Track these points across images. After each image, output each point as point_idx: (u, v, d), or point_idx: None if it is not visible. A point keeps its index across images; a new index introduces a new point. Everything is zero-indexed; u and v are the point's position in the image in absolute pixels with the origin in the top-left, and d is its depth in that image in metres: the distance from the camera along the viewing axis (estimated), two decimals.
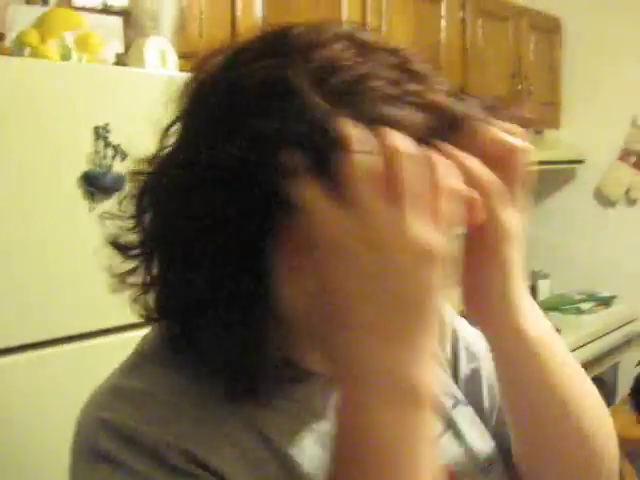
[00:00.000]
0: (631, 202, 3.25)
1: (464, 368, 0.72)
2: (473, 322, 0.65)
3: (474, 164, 0.49)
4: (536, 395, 0.61)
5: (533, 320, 0.59)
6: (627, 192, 3.24)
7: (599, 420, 0.65)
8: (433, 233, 0.44)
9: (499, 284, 0.56)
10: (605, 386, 3.11)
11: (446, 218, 0.45)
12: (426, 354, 0.46)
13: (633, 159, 3.19)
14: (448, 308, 0.73)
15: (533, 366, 0.60)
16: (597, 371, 2.93)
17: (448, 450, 0.66)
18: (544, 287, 3.13)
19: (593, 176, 3.32)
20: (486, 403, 0.72)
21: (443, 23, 2.47)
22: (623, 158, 3.22)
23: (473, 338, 0.74)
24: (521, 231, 0.54)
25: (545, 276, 3.16)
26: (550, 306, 2.99)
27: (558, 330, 2.73)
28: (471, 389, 0.72)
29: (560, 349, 0.63)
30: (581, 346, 2.76)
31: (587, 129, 3.31)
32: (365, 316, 0.45)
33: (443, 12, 2.48)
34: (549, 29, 3.29)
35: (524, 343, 0.58)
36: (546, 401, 0.61)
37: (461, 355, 0.73)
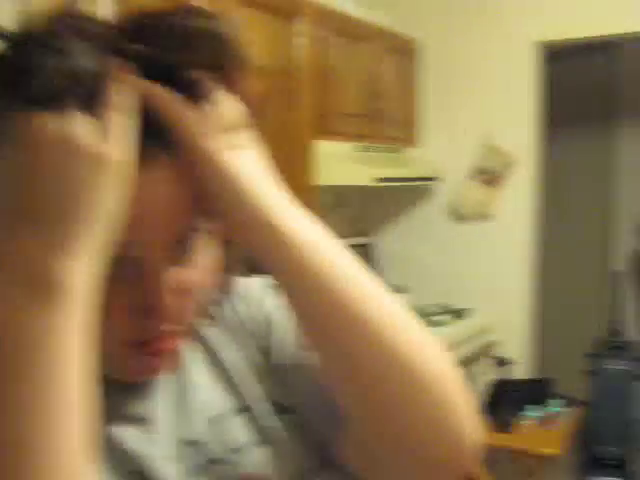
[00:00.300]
0: (484, 218, 3.39)
1: (289, 356, 0.70)
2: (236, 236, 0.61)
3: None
4: (323, 311, 0.57)
5: (303, 226, 0.57)
6: (480, 208, 3.38)
7: (419, 344, 0.59)
8: (103, 139, 0.49)
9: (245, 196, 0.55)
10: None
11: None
12: (77, 251, 0.48)
13: (484, 177, 3.33)
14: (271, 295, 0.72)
15: (309, 274, 0.56)
16: None
17: (263, 457, 0.65)
18: (402, 301, 3.20)
19: (448, 192, 3.44)
20: (313, 384, 0.68)
21: (298, 40, 2.48)
22: (476, 175, 3.36)
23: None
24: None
25: (403, 290, 3.23)
26: None
27: None
28: (296, 376, 0.70)
29: (351, 262, 0.59)
30: None
31: (442, 148, 3.43)
32: (19, 202, 0.48)
33: (298, 29, 2.49)
34: (405, 50, 3.39)
35: (294, 248, 0.56)
36: (336, 319, 0.57)
37: (287, 343, 0.70)
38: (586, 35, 3.37)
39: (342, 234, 2.48)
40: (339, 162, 2.69)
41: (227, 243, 0.64)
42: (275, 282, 0.59)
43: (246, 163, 0.56)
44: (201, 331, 0.71)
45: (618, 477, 3.81)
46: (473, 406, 0.62)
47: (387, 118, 3.15)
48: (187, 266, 0.59)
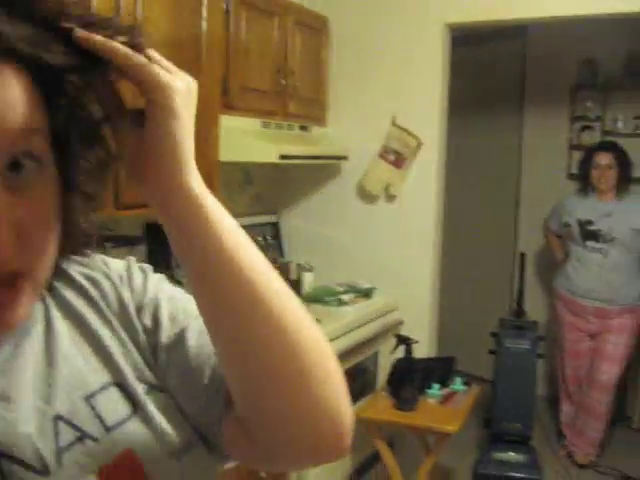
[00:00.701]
0: (390, 198, 3.41)
1: (166, 336, 0.71)
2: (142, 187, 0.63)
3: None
4: (221, 280, 0.61)
5: (212, 202, 0.62)
6: (386, 188, 3.39)
7: (305, 328, 0.63)
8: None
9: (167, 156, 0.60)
10: (366, 374, 3.25)
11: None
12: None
13: (392, 157, 3.35)
14: (153, 277, 0.75)
15: (211, 238, 0.61)
16: (359, 359, 3.05)
17: (134, 435, 0.65)
18: (308, 279, 3.20)
19: (356, 172, 3.45)
20: (193, 363, 0.69)
21: (204, 12, 2.41)
22: (383, 156, 3.37)
23: (181, 302, 0.73)
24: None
25: (309, 269, 3.23)
26: (313, 298, 3.06)
27: (319, 320, 2.80)
28: (175, 356, 0.70)
29: (250, 246, 0.64)
30: (342, 335, 2.85)
31: (351, 126, 3.43)
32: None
33: (205, 1, 2.41)
34: (316, 27, 3.36)
35: (198, 209, 0.61)
36: (235, 288, 0.61)
37: (163, 322, 0.71)
38: (494, 18, 3.44)
39: (250, 212, 2.45)
40: (244, 138, 2.64)
41: (86, 204, 0.63)
42: (177, 254, 0.62)
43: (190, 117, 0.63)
44: (61, 294, 0.69)
45: (521, 452, 3.94)
46: (346, 389, 0.67)
47: (296, 95, 3.11)
48: (21, 198, 0.55)
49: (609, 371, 4.04)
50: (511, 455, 3.94)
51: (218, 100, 2.49)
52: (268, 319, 0.61)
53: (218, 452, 0.70)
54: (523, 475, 3.86)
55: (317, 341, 0.64)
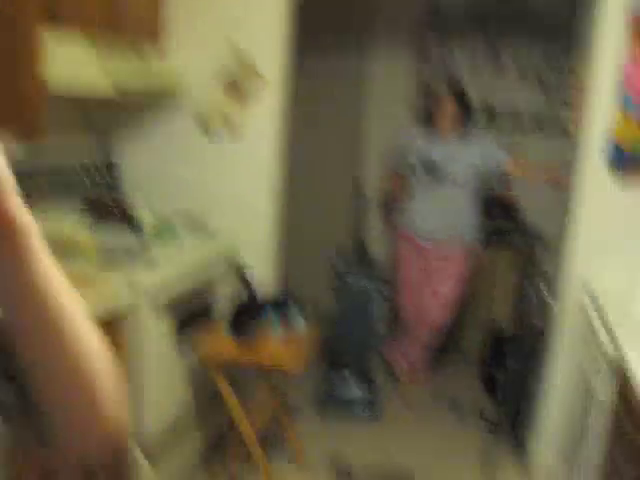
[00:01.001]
0: (231, 133, 3.33)
1: None
2: None
3: None
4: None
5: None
6: (227, 123, 3.31)
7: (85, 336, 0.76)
8: None
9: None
10: (208, 309, 3.22)
11: None
12: None
13: (232, 90, 3.26)
14: None
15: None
16: (200, 298, 3.00)
17: None
18: (147, 218, 3.09)
19: (194, 102, 3.33)
20: None
21: None
22: (222, 88, 3.27)
23: None
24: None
25: (146, 206, 3.12)
26: (151, 232, 2.96)
27: (156, 258, 2.73)
28: None
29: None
30: (182, 275, 2.79)
31: (190, 57, 3.28)
32: None
33: None
34: None
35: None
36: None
37: None
38: None
39: (85, 148, 2.26)
40: (72, 67, 2.45)
41: None
42: None
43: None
44: None
45: (361, 385, 4.09)
46: (122, 393, 0.81)
47: (130, 23, 2.93)
48: None
49: (441, 315, 4.25)
50: (352, 386, 4.08)
51: (41, 28, 2.29)
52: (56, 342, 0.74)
53: None
54: (362, 404, 4.02)
55: (96, 351, 0.78)
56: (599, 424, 2.30)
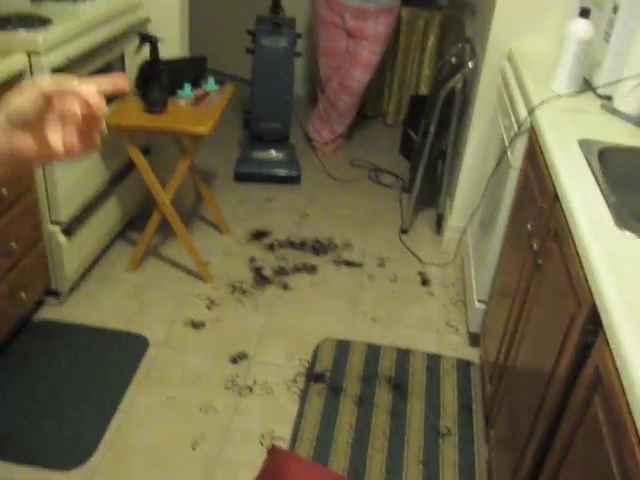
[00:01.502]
0: None
1: None
2: None
3: None
4: None
5: None
6: None
7: None
8: None
9: None
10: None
11: None
12: None
13: None
14: None
15: None
16: (104, 61, 2.81)
17: None
18: None
19: None
20: None
21: None
22: None
23: None
24: None
25: None
26: None
27: (50, 20, 2.49)
28: None
29: None
30: (80, 35, 2.57)
31: None
32: None
33: None
34: None
35: None
36: None
37: None
38: None
39: None
40: None
41: None
42: None
43: None
44: None
45: (280, 150, 4.06)
46: None
47: None
48: None
49: (361, 79, 4.14)
50: (271, 153, 4.06)
51: None
52: None
53: None
54: (282, 171, 4.03)
55: None
56: (510, 188, 2.35)
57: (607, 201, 1.55)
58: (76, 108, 0.74)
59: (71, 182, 2.67)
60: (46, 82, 0.75)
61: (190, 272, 3.10)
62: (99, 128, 0.79)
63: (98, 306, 2.83)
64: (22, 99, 0.75)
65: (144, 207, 3.40)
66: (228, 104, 3.03)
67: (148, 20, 3.07)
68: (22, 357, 2.52)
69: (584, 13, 2.22)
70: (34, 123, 0.76)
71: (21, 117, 0.76)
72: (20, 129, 0.77)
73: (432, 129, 3.36)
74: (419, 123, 3.77)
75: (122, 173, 3.14)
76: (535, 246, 1.86)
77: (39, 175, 2.52)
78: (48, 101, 0.75)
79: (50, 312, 2.76)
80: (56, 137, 0.76)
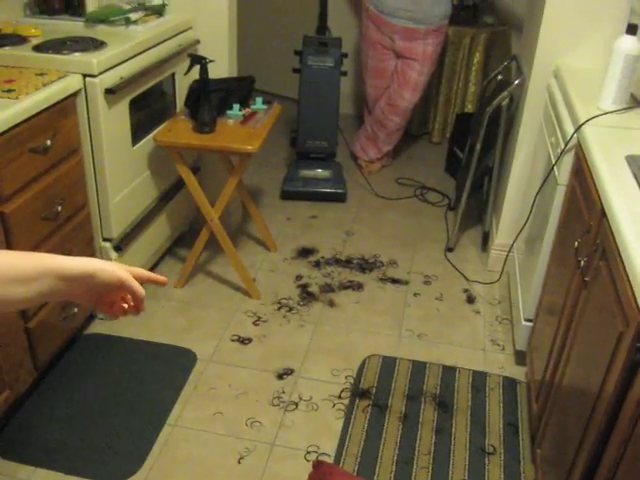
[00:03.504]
0: None
1: None
2: None
3: None
4: None
5: None
6: None
7: None
8: None
9: None
10: (164, 97, 3.12)
11: None
12: None
13: None
14: None
15: None
16: (154, 82, 2.88)
17: None
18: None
19: None
20: None
21: None
22: None
23: None
24: None
25: None
26: (97, 18, 2.78)
27: (105, 43, 2.58)
28: None
29: None
30: (132, 57, 2.65)
31: None
32: None
33: None
34: None
35: None
36: None
37: None
38: None
39: None
40: None
41: None
42: None
43: None
44: None
45: (326, 168, 4.09)
46: None
47: None
48: None
49: (410, 99, 4.16)
50: (317, 171, 4.10)
51: None
52: None
53: None
54: (329, 189, 4.06)
55: None
56: (557, 205, 2.34)
57: None
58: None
59: (122, 200, 2.74)
60: (123, 271, 0.98)
61: (237, 289, 3.14)
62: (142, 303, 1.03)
63: (147, 321, 2.89)
64: (109, 278, 0.95)
65: (193, 224, 3.46)
66: (275, 123, 3.08)
67: (198, 41, 3.14)
68: (73, 370, 2.59)
69: (631, 29, 2.20)
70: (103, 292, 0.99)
71: (104, 288, 0.96)
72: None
73: (478, 147, 3.36)
74: (465, 141, 3.77)
75: (172, 191, 3.20)
76: (582, 263, 1.85)
77: (92, 193, 2.60)
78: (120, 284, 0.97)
79: (101, 327, 2.83)
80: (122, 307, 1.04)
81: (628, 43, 2.20)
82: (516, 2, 4.65)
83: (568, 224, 2.19)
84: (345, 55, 3.87)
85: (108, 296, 1.01)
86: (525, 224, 2.81)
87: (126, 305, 1.03)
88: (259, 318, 2.96)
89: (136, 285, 0.99)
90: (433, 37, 4.01)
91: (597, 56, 2.74)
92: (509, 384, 2.63)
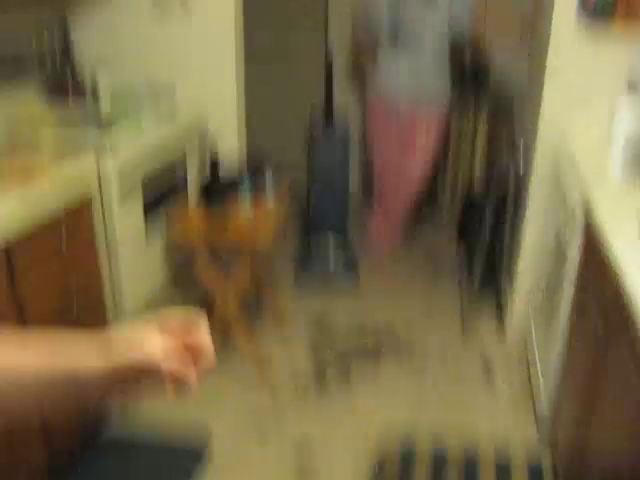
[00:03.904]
0: (186, 7, 3.16)
1: None
2: None
3: None
4: None
5: None
6: None
7: None
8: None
9: None
10: (177, 193, 3.17)
11: None
12: None
13: None
14: None
15: None
16: (168, 181, 2.95)
17: None
18: (104, 100, 2.96)
19: None
20: None
21: None
22: None
23: None
24: None
25: (104, 85, 3.00)
26: (111, 122, 2.86)
27: (117, 146, 2.65)
28: None
29: None
30: (146, 160, 2.73)
31: None
32: None
33: None
34: None
35: None
36: None
37: None
38: None
39: (41, 28, 2.04)
40: None
41: None
42: None
43: None
44: None
45: (339, 250, 4.12)
46: None
47: None
48: None
49: (418, 174, 4.24)
50: (330, 253, 4.12)
51: None
52: None
53: None
54: (342, 271, 4.07)
55: None
56: (570, 279, 2.34)
57: None
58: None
59: (138, 299, 2.76)
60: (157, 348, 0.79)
61: (250, 375, 3.12)
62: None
63: (157, 411, 2.84)
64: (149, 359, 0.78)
65: (204, 307, 3.46)
66: (287, 212, 3.12)
67: (207, 129, 3.22)
68: (94, 473, 2.55)
69: (632, 86, 2.21)
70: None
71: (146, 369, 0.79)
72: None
73: (488, 225, 3.38)
74: (476, 219, 3.80)
75: (184, 275, 3.23)
76: (601, 338, 1.83)
77: (108, 292, 2.62)
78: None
79: (115, 422, 2.79)
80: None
81: (629, 105, 2.21)
82: (517, 88, 4.77)
83: (584, 297, 2.18)
84: (352, 137, 3.95)
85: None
86: (540, 300, 2.80)
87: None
88: (273, 400, 2.93)
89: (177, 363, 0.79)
90: (436, 112, 4.13)
91: (601, 126, 2.77)
92: (534, 468, 2.56)
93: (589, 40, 2.82)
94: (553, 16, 2.86)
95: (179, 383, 0.80)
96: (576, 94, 2.87)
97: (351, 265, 4.09)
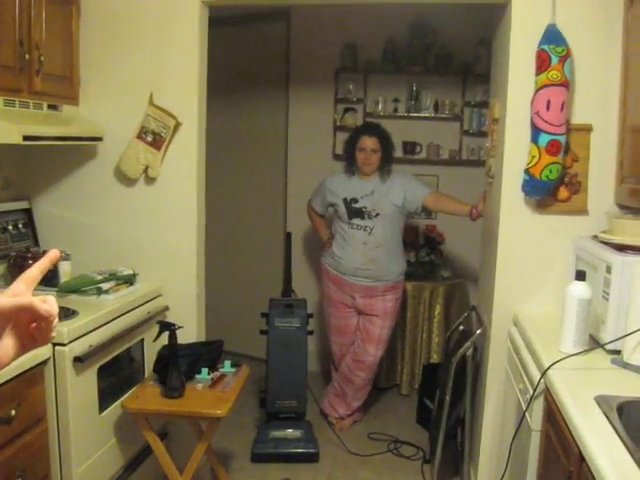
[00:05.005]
0: (150, 181, 3.28)
1: None
2: None
3: None
4: None
5: None
6: (145, 170, 3.26)
7: None
8: None
9: None
10: (133, 363, 3.13)
11: None
12: None
13: (149, 138, 3.22)
14: None
15: None
16: (124, 348, 2.92)
17: None
18: (65, 269, 2.99)
19: (113, 154, 3.28)
20: None
21: None
22: (140, 137, 3.23)
23: None
24: None
25: (66, 258, 3.03)
26: (70, 288, 2.87)
27: (76, 312, 2.64)
28: None
29: None
30: (103, 325, 2.71)
31: (106, 105, 3.24)
32: None
33: None
34: None
35: None
36: None
37: None
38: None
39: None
40: None
41: None
42: None
43: None
44: None
45: (297, 428, 4.01)
46: None
47: (42, 71, 2.86)
48: None
49: (375, 353, 4.23)
50: (288, 432, 4.01)
51: None
52: None
53: None
54: (300, 450, 3.94)
55: None
56: (533, 451, 2.31)
57: (634, 457, 1.52)
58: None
59: (87, 470, 2.63)
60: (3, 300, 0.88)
61: None
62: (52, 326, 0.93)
63: None
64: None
65: None
66: (244, 385, 3.08)
67: (167, 308, 3.23)
68: None
69: (580, 275, 2.34)
70: None
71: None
72: None
73: (447, 397, 3.36)
74: (434, 391, 3.78)
75: (139, 458, 3.09)
76: None
77: (55, 464, 2.50)
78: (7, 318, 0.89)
79: None
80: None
81: (579, 289, 2.32)
82: (470, 257, 4.93)
83: (548, 469, 2.15)
84: (310, 315, 3.98)
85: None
86: (504, 473, 2.74)
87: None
88: None
89: (38, 304, 0.89)
90: (392, 293, 4.18)
91: (553, 301, 2.87)
92: None
93: (536, 216, 2.98)
94: (501, 194, 3.03)
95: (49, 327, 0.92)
96: (526, 280, 2.99)
97: (309, 441, 3.97)
